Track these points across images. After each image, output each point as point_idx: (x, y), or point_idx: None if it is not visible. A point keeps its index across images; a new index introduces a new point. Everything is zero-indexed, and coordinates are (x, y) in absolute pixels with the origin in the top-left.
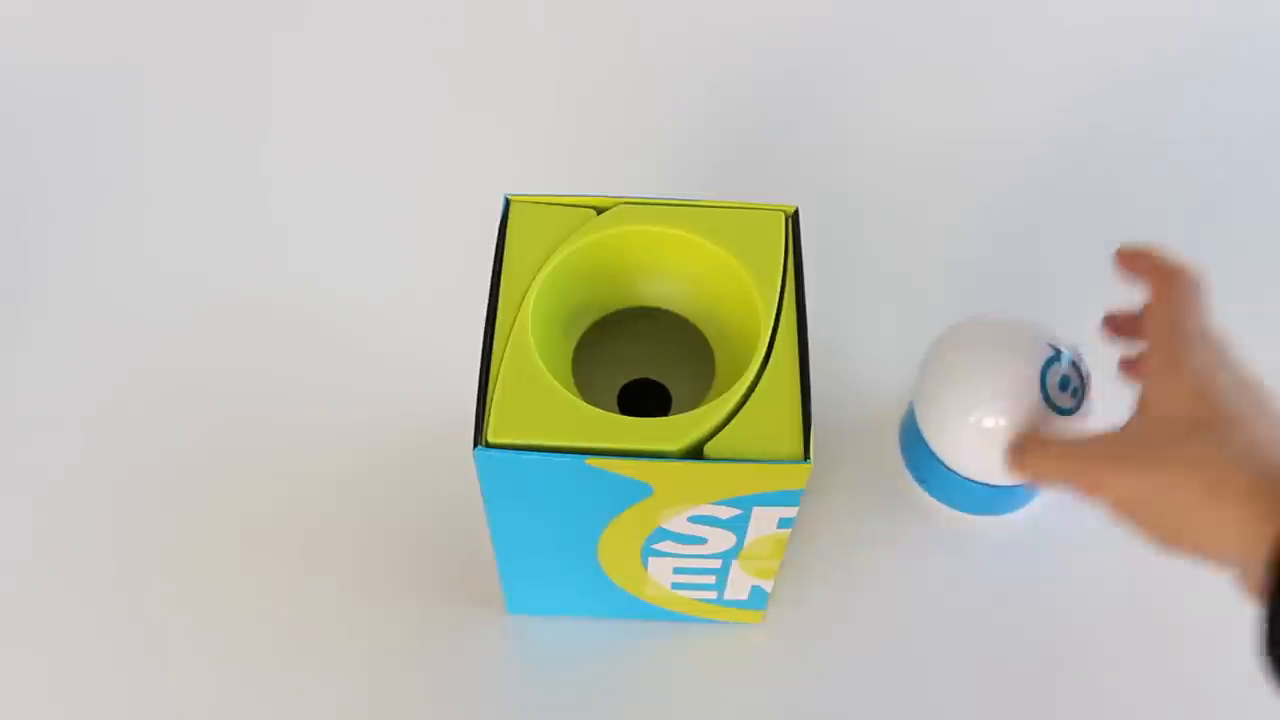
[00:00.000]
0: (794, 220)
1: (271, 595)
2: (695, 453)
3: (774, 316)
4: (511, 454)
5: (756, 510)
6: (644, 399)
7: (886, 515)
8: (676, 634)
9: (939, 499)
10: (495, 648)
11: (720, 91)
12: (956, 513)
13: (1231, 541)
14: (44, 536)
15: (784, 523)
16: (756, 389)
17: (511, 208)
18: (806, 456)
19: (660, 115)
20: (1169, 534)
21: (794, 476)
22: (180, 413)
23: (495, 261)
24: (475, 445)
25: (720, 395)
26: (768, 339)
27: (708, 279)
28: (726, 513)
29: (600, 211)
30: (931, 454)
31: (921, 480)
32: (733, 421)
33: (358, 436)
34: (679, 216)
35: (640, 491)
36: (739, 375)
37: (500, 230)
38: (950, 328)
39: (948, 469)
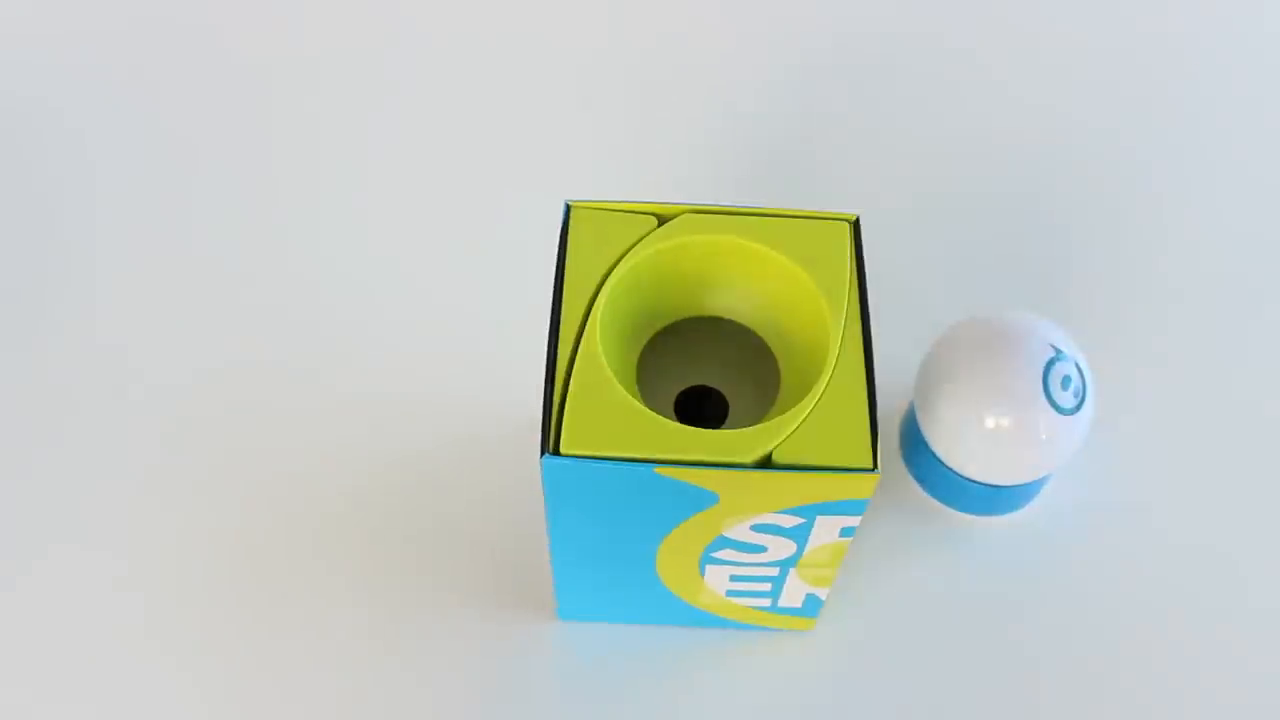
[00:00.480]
0: (856, 229)
1: (318, 598)
2: (763, 461)
3: (842, 326)
4: (580, 462)
5: (820, 519)
6: (700, 405)
7: (886, 515)
8: (722, 640)
9: (939, 499)
10: (546, 653)
11: (720, 98)
12: (956, 513)
13: None
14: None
15: (846, 531)
16: (823, 397)
17: (572, 213)
18: (874, 465)
19: (657, 121)
20: None
21: (861, 485)
22: (237, 412)
23: (558, 268)
24: (543, 454)
25: (786, 405)
26: (836, 350)
27: (774, 289)
28: (790, 521)
29: (661, 218)
30: (931, 454)
31: (921, 480)
32: (800, 429)
33: (410, 440)
34: (744, 226)
35: (706, 500)
36: (805, 385)
37: (561, 237)
38: (950, 328)
39: (948, 469)
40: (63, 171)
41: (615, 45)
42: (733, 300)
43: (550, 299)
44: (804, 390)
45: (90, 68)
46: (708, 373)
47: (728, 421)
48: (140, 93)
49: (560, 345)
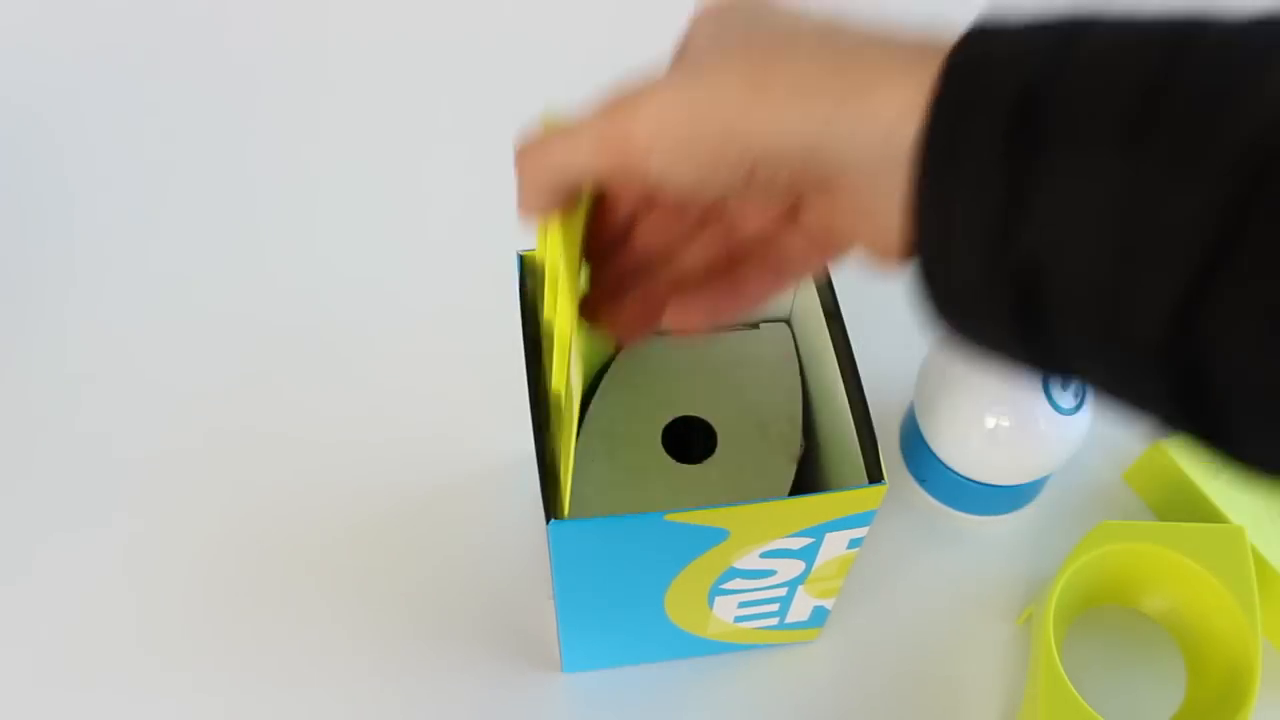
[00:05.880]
0: None
1: (314, 655)
2: None
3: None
4: (589, 523)
5: (829, 535)
6: (688, 437)
7: (887, 515)
8: (729, 664)
9: (939, 499)
10: (555, 709)
11: None
12: (957, 513)
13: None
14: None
15: (854, 543)
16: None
17: (525, 264)
18: (881, 477)
19: None
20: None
21: (870, 499)
22: (222, 458)
23: (524, 323)
24: (549, 520)
25: None
26: None
27: None
28: (799, 543)
29: None
30: (931, 454)
31: (921, 480)
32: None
33: (404, 485)
34: None
35: (716, 537)
36: None
37: (520, 288)
38: None
39: (948, 469)
40: (66, 179)
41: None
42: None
43: None
44: None
45: (72, 80)
46: (694, 402)
47: (718, 452)
48: (125, 116)
49: (540, 405)
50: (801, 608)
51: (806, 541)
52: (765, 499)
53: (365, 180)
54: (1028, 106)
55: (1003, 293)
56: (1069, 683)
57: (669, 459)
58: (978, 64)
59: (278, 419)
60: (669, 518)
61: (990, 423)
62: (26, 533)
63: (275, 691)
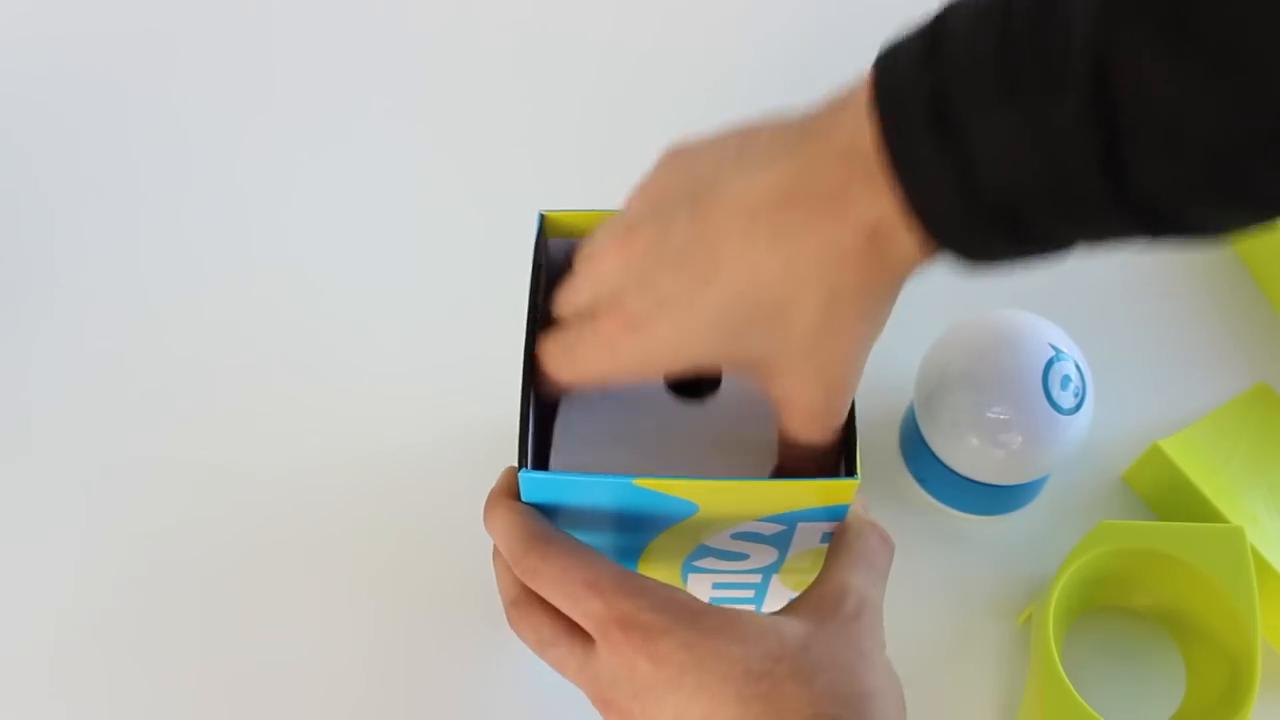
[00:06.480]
0: None
1: (314, 653)
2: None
3: None
4: (558, 476)
5: (801, 526)
6: (697, 384)
7: (886, 515)
8: None
9: (939, 499)
10: (523, 678)
11: (723, 91)
12: (956, 513)
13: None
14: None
15: (825, 538)
16: None
17: (546, 224)
18: (853, 472)
19: (666, 115)
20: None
21: (841, 492)
22: (223, 458)
23: (534, 280)
24: (520, 468)
25: None
26: None
27: None
28: (771, 529)
29: None
30: (931, 454)
31: (921, 480)
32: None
33: (403, 490)
34: None
35: (685, 510)
36: None
37: (536, 248)
38: (950, 328)
39: (948, 469)
40: (46, 185)
41: (583, 47)
42: None
43: None
44: None
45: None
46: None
47: (720, 392)
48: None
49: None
50: (778, 597)
51: (778, 529)
52: (733, 478)
53: (364, 181)
54: (938, 106)
55: (987, 217)
56: (1069, 683)
57: (666, 394)
58: (890, 99)
59: (278, 420)
60: (637, 483)
61: (990, 422)
62: (24, 533)
63: (276, 691)
